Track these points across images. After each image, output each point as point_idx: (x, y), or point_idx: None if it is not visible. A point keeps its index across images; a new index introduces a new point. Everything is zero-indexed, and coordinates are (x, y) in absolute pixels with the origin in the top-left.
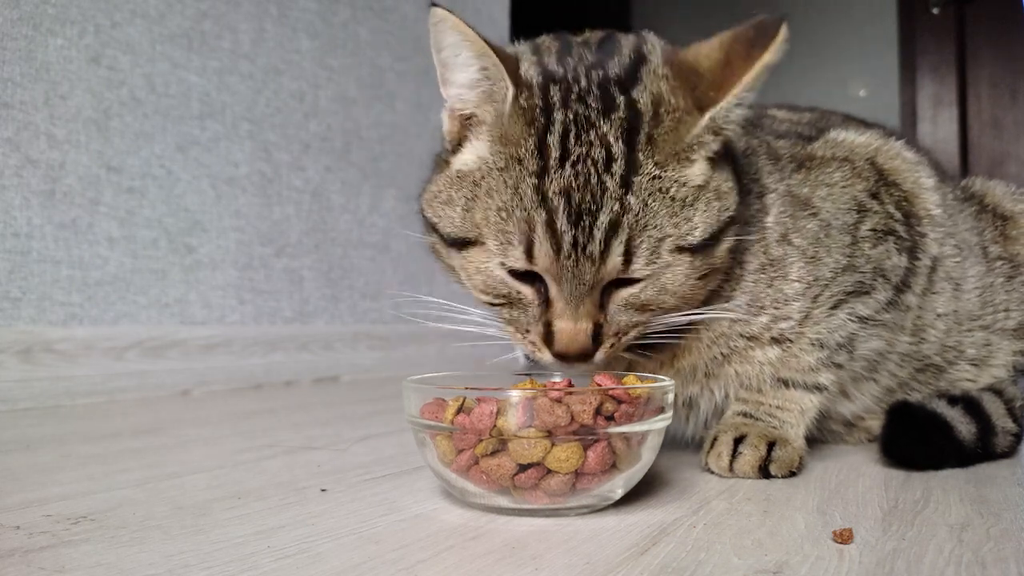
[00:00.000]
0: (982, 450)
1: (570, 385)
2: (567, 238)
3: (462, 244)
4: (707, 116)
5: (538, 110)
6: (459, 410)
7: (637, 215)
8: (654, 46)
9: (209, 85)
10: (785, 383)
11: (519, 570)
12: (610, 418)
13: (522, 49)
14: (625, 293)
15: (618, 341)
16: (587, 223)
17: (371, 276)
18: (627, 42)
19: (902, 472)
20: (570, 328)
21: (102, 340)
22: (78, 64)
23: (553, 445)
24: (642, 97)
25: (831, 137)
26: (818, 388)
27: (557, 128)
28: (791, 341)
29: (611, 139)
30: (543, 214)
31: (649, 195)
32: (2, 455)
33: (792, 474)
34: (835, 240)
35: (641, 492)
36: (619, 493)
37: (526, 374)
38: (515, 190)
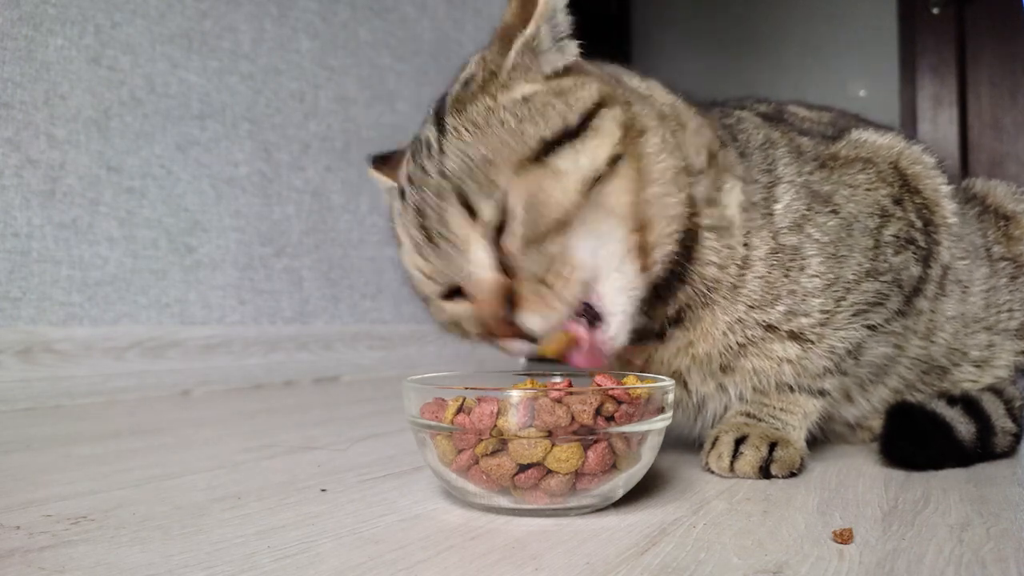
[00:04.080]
0: (982, 450)
1: (570, 385)
2: (416, 231)
3: None
4: (517, 43)
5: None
6: (459, 410)
7: (457, 165)
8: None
9: (209, 85)
10: (790, 386)
11: (519, 570)
12: (610, 418)
13: None
14: (508, 238)
15: (545, 286)
16: (424, 206)
17: (371, 276)
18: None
19: (902, 472)
20: (477, 303)
21: (102, 340)
22: (78, 64)
23: (553, 445)
24: (455, 87)
25: (853, 137)
26: (821, 393)
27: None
28: (812, 342)
29: (428, 134)
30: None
31: (461, 140)
32: (2, 455)
33: (792, 475)
34: (858, 241)
35: (641, 492)
36: (619, 493)
37: (526, 374)
38: (391, 215)
